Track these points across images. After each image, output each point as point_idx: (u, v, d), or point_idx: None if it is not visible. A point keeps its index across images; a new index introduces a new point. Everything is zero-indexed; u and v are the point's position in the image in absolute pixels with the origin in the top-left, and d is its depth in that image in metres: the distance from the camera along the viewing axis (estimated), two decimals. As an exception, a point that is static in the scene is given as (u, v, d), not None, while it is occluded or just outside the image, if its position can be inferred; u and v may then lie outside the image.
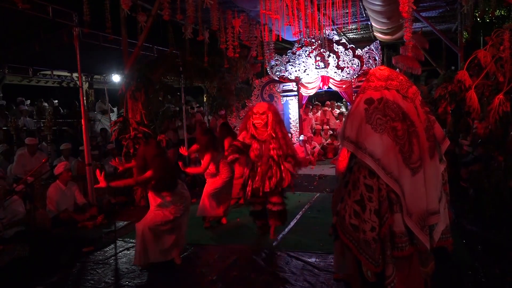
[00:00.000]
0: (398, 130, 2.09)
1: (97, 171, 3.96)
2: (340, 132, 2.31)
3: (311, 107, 12.96)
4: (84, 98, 7.88)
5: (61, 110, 10.89)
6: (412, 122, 2.13)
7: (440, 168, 2.23)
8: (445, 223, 2.23)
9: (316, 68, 10.45)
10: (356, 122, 2.17)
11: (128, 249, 4.69)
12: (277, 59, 10.76)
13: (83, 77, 10.16)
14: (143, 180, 3.89)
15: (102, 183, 3.85)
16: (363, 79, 9.91)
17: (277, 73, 10.90)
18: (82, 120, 6.16)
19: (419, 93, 2.27)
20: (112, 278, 3.94)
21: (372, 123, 2.11)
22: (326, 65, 10.31)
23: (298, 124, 10.99)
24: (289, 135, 10.74)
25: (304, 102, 11.50)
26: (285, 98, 11.01)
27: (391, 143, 2.08)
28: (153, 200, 4.08)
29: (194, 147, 5.39)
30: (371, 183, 2.06)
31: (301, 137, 10.33)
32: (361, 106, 2.18)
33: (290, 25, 6.28)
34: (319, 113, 12.86)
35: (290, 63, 10.72)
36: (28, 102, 10.92)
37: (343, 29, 11.34)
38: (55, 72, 10.73)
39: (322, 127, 11.99)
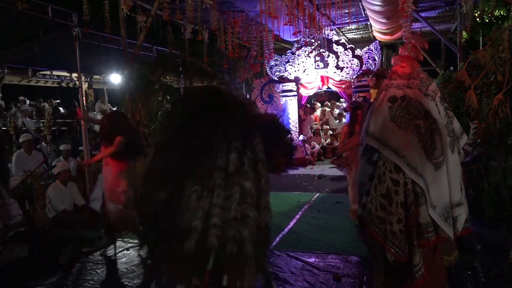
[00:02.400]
0: (421, 128, 2.17)
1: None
2: (363, 128, 2.39)
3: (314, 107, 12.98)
4: (84, 98, 7.87)
5: (61, 110, 10.88)
6: (434, 119, 2.21)
7: (459, 160, 2.34)
8: (466, 212, 2.32)
9: (315, 68, 10.45)
10: (380, 119, 2.25)
11: (128, 249, 4.69)
12: (277, 59, 10.76)
13: (83, 77, 10.16)
14: (116, 146, 4.06)
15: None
16: (363, 79, 9.96)
17: (277, 73, 10.90)
18: (82, 120, 6.15)
19: (438, 90, 2.36)
20: (112, 278, 3.94)
21: (396, 121, 2.20)
22: (326, 65, 10.31)
23: (297, 124, 11.00)
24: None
25: (303, 102, 11.52)
26: (284, 98, 11.02)
27: (415, 140, 2.16)
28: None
29: None
30: (397, 177, 2.15)
31: (301, 137, 10.33)
32: (385, 104, 2.27)
33: (289, 25, 6.29)
34: (318, 113, 12.88)
35: (289, 63, 10.72)
36: (29, 102, 10.91)
37: (342, 29, 11.35)
38: (55, 72, 10.72)
39: (322, 127, 12.00)
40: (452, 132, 2.30)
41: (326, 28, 9.19)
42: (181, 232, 1.45)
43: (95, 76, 11.82)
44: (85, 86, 11.12)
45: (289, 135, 1.90)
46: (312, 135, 11.41)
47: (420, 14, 8.97)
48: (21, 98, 10.35)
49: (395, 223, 2.11)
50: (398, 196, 2.13)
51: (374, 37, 11.42)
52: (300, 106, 11.14)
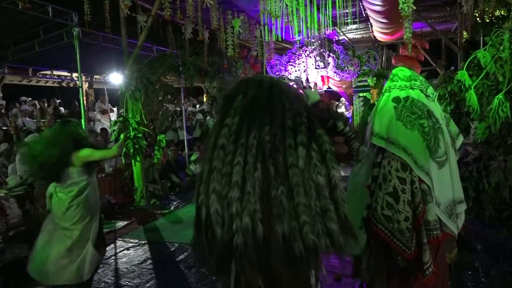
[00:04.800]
0: (425, 127, 2.23)
1: None
2: (368, 129, 2.43)
3: None
4: (84, 98, 7.89)
5: (61, 110, 10.88)
6: (437, 119, 2.28)
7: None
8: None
9: (316, 68, 10.45)
10: (386, 119, 2.30)
11: (128, 249, 4.69)
12: (277, 59, 10.76)
13: (83, 77, 10.17)
14: None
15: None
16: (364, 79, 9.95)
17: (277, 73, 10.90)
18: (82, 120, 6.17)
19: (437, 93, 2.45)
20: (112, 278, 3.94)
21: (402, 120, 2.25)
22: (326, 65, 10.31)
23: (298, 124, 10.99)
24: None
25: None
26: (285, 98, 11.01)
27: (420, 138, 2.22)
28: None
29: None
30: (404, 176, 2.19)
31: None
32: (390, 105, 2.32)
33: (290, 25, 6.29)
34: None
35: (290, 63, 10.71)
36: (29, 101, 10.91)
37: (342, 29, 11.35)
38: (55, 72, 10.73)
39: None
40: (449, 133, 2.37)
41: (326, 28, 9.18)
42: (280, 238, 1.39)
43: (95, 76, 11.83)
44: (85, 86, 11.14)
45: (349, 122, 1.77)
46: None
47: (420, 14, 8.97)
48: (23, 98, 10.36)
49: (402, 221, 2.15)
50: (405, 194, 2.16)
51: (374, 37, 11.42)
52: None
